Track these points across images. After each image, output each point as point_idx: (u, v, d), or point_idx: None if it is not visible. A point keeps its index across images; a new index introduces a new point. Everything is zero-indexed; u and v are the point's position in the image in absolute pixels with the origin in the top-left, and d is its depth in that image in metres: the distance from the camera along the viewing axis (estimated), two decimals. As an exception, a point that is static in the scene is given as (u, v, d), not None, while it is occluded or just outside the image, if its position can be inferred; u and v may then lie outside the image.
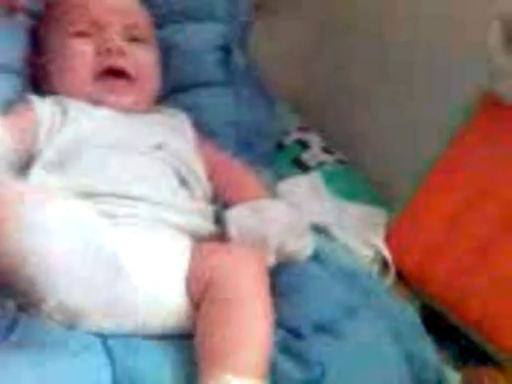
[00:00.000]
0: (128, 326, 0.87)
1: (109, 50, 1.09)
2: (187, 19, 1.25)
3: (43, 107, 1.05)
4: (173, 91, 1.21)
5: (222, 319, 0.84)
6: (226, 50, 1.25)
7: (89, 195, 0.95)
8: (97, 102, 1.08)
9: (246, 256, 0.92)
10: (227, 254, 0.92)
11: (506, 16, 1.07)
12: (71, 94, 1.08)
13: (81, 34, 1.11)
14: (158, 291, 0.89)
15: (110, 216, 0.93)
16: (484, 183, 1.10)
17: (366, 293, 0.99)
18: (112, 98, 1.09)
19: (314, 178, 1.21)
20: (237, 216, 1.00)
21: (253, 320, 0.85)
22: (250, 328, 0.84)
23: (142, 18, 1.17)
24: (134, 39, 1.13)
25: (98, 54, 1.09)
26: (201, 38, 1.24)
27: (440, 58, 1.24)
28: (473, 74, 1.11)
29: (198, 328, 0.85)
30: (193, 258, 0.92)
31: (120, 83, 1.10)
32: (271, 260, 0.97)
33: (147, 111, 1.13)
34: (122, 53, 1.10)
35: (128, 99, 1.10)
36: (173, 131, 1.10)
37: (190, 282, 0.90)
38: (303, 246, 1.00)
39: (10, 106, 1.06)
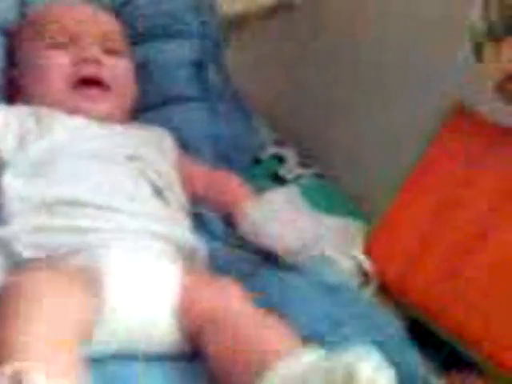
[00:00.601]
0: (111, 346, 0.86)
1: (85, 60, 1.10)
2: (161, 37, 1.26)
3: (13, 113, 1.04)
4: (148, 107, 1.22)
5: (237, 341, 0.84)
6: (199, 65, 1.25)
7: (70, 204, 0.94)
8: (72, 111, 1.07)
9: (231, 285, 0.93)
10: (217, 286, 0.93)
11: (473, 24, 1.09)
12: (46, 104, 1.07)
13: (56, 46, 1.11)
14: (145, 312, 0.88)
15: (94, 230, 0.93)
16: (455, 192, 1.11)
17: (351, 306, 0.99)
18: (87, 105, 1.09)
19: (291, 191, 1.21)
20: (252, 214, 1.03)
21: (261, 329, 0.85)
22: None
23: (115, 31, 1.18)
24: (108, 51, 1.13)
25: (74, 64, 1.10)
26: (174, 54, 1.25)
27: (414, 60, 1.25)
28: (446, 77, 1.12)
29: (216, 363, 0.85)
30: (182, 283, 0.91)
31: (95, 91, 1.10)
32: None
33: (122, 123, 1.13)
34: (97, 62, 1.11)
35: (103, 106, 1.10)
36: (148, 143, 1.10)
37: (181, 310, 0.89)
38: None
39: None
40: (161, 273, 0.92)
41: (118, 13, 1.25)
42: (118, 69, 1.14)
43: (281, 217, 1.04)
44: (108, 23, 1.19)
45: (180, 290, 0.90)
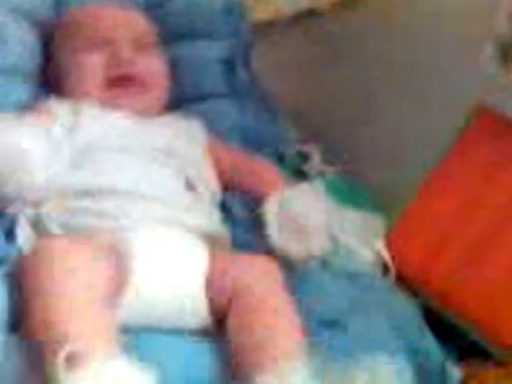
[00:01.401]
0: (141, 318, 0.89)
1: (119, 61, 1.14)
2: (193, 37, 1.31)
3: (59, 108, 1.09)
4: (180, 102, 1.25)
5: (256, 325, 0.88)
6: (229, 64, 1.30)
7: (105, 192, 0.99)
8: (110, 108, 1.11)
9: (263, 263, 0.96)
10: (246, 265, 0.96)
11: (499, 36, 1.12)
12: (83, 101, 1.11)
13: (91, 48, 1.16)
14: (172, 287, 0.91)
15: (124, 215, 0.97)
16: (477, 189, 1.14)
17: (370, 292, 1.02)
18: (125, 102, 1.13)
19: (315, 185, 1.24)
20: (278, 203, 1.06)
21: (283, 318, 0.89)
22: (283, 324, 0.88)
23: (145, 27, 1.23)
24: (140, 48, 1.18)
25: (109, 65, 1.14)
26: (206, 53, 1.30)
27: (440, 61, 1.28)
28: (471, 83, 1.15)
29: (233, 337, 0.88)
30: (211, 263, 0.95)
31: (131, 88, 1.15)
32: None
33: (158, 115, 1.17)
34: (131, 63, 1.15)
35: (140, 102, 1.15)
36: (181, 136, 1.14)
37: (210, 289, 0.92)
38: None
39: (25, 109, 1.10)
40: (188, 249, 0.95)
41: (151, 13, 1.30)
42: (151, 65, 1.18)
43: (295, 223, 1.06)
44: (139, 22, 1.22)
45: (207, 262, 0.93)
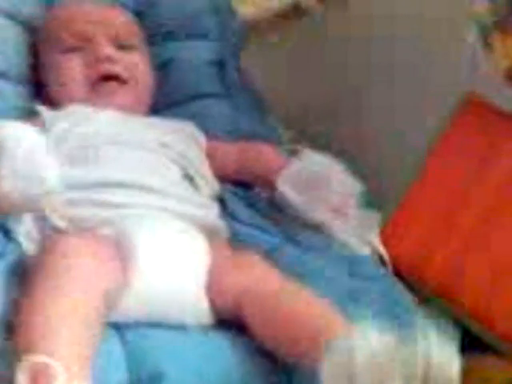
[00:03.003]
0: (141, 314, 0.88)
1: (98, 60, 1.14)
2: (182, 37, 1.31)
3: (51, 116, 1.08)
4: (171, 104, 1.25)
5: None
6: (220, 64, 1.30)
7: (104, 185, 0.98)
8: (93, 105, 1.11)
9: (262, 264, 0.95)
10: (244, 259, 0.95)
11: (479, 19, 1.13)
12: (71, 103, 1.11)
13: (69, 50, 1.15)
14: (174, 281, 0.90)
15: (126, 205, 0.97)
16: (473, 177, 1.14)
17: (367, 279, 1.02)
18: (107, 100, 1.13)
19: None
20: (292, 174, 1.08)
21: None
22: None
23: (126, 26, 1.22)
24: (121, 46, 1.17)
25: (88, 65, 1.14)
26: (195, 53, 1.30)
27: (423, 54, 1.29)
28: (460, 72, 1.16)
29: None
30: (213, 261, 0.93)
31: (113, 85, 1.14)
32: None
33: (144, 115, 1.17)
34: (111, 60, 1.15)
35: (122, 99, 1.14)
36: (178, 134, 1.14)
37: (212, 290, 0.91)
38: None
39: (17, 113, 1.10)
40: (190, 243, 0.95)
41: (140, 14, 1.30)
42: (133, 63, 1.17)
43: (309, 186, 1.07)
44: (118, 19, 1.21)
45: (209, 260, 0.93)
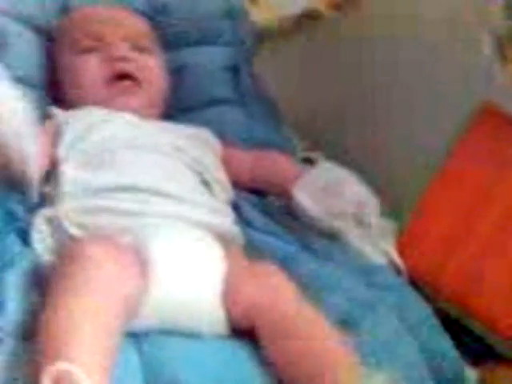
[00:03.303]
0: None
1: (112, 58, 1.14)
2: (195, 42, 1.31)
3: (66, 118, 1.08)
4: (186, 109, 1.25)
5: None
6: (234, 69, 1.30)
7: (121, 189, 0.98)
8: (109, 106, 1.11)
9: (278, 275, 0.94)
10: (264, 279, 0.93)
11: (494, 30, 1.13)
12: (88, 105, 1.11)
13: (84, 51, 1.15)
14: (190, 290, 0.89)
15: (142, 214, 0.96)
16: (489, 185, 1.14)
17: (384, 288, 1.02)
18: (122, 100, 1.13)
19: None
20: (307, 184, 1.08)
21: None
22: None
23: (141, 29, 1.22)
24: (136, 48, 1.17)
25: (103, 64, 1.14)
26: (209, 58, 1.30)
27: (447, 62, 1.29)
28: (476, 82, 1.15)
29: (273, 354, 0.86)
30: (229, 270, 0.92)
31: (128, 83, 1.14)
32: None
33: (159, 119, 1.17)
34: (125, 60, 1.15)
35: (136, 100, 1.14)
36: (192, 139, 1.13)
37: (227, 299, 0.90)
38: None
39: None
40: (207, 251, 0.94)
41: (154, 20, 1.29)
42: (147, 65, 1.17)
43: (325, 195, 1.07)
44: (132, 22, 1.22)
45: (225, 268, 0.92)
